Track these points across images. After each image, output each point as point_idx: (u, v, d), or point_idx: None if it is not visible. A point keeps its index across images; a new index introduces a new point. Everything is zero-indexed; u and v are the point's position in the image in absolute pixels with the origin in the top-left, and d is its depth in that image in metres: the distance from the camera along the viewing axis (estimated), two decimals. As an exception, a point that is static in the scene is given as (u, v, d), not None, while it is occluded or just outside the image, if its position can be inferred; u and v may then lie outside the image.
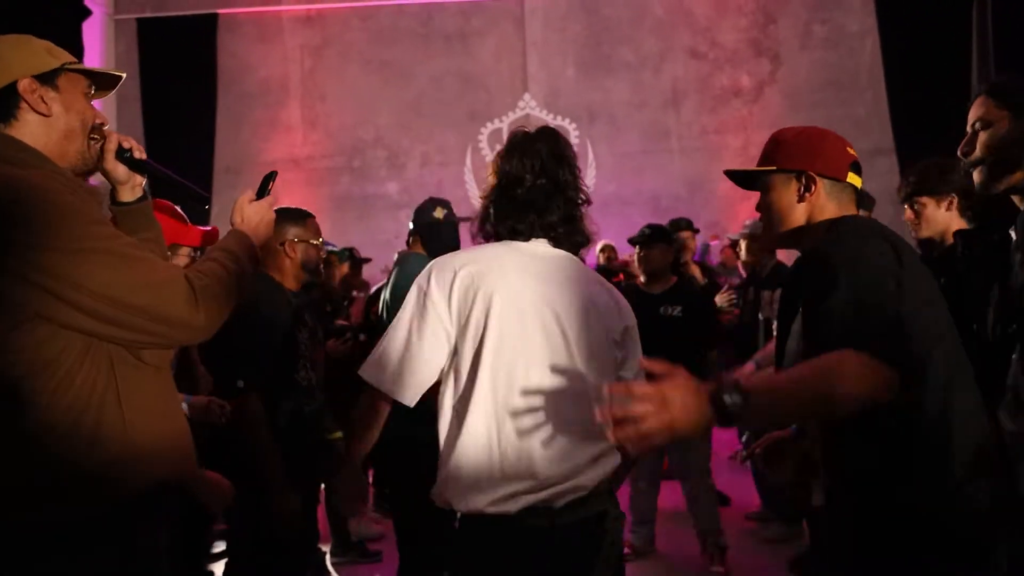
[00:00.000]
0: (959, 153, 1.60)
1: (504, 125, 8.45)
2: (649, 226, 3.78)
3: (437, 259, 1.67)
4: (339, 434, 3.28)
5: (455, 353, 1.56)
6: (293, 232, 2.52)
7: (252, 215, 1.62)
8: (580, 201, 1.72)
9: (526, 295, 1.56)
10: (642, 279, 3.81)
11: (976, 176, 1.60)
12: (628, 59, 8.31)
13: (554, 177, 1.67)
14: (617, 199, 8.25)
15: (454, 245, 3.03)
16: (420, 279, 1.63)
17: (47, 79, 1.42)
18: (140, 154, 1.53)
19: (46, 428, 1.31)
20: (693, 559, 3.49)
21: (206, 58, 8.16)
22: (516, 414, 1.50)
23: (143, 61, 8.05)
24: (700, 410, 1.19)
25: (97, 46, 7.74)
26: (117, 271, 1.32)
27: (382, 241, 7.37)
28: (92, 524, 1.33)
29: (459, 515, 1.53)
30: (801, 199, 1.55)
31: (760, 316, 3.88)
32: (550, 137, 1.74)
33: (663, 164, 8.23)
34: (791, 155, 1.57)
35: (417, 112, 8.42)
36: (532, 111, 8.47)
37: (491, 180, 1.72)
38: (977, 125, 1.57)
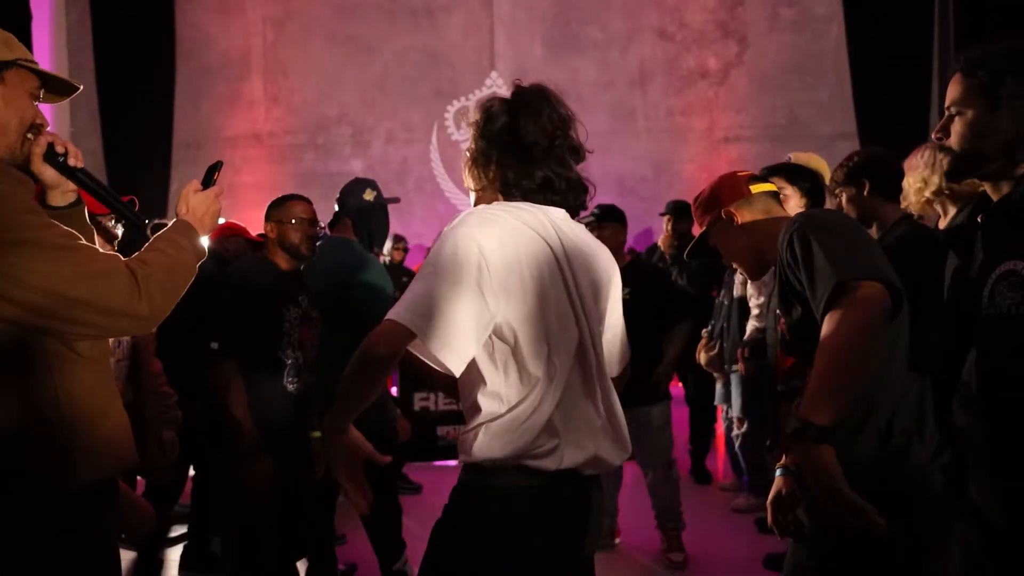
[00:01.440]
0: (933, 136, 1.57)
1: (471, 103, 8.37)
2: (599, 206, 3.63)
3: (473, 229, 1.44)
4: (318, 433, 3.24)
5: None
6: (273, 215, 2.60)
7: (197, 205, 1.57)
8: (574, 165, 1.63)
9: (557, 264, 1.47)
10: None
11: (950, 159, 1.57)
12: (596, 38, 8.27)
13: (565, 133, 1.61)
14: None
15: (385, 230, 3.01)
16: (463, 243, 1.42)
17: None
18: (75, 161, 1.45)
19: None
20: (654, 549, 3.50)
21: (164, 29, 7.93)
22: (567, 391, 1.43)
23: (96, 32, 7.78)
24: (805, 459, 1.36)
25: (47, 16, 7.45)
26: (54, 263, 1.27)
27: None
28: (37, 515, 1.32)
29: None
30: (740, 227, 1.78)
31: (734, 294, 3.91)
32: (549, 100, 1.65)
33: (629, 145, 8.24)
34: (706, 211, 1.85)
35: (382, 89, 8.30)
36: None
37: (499, 124, 1.58)
38: (953, 109, 1.49)
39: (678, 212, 4.62)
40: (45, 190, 1.45)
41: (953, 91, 1.49)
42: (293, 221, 2.55)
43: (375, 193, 2.98)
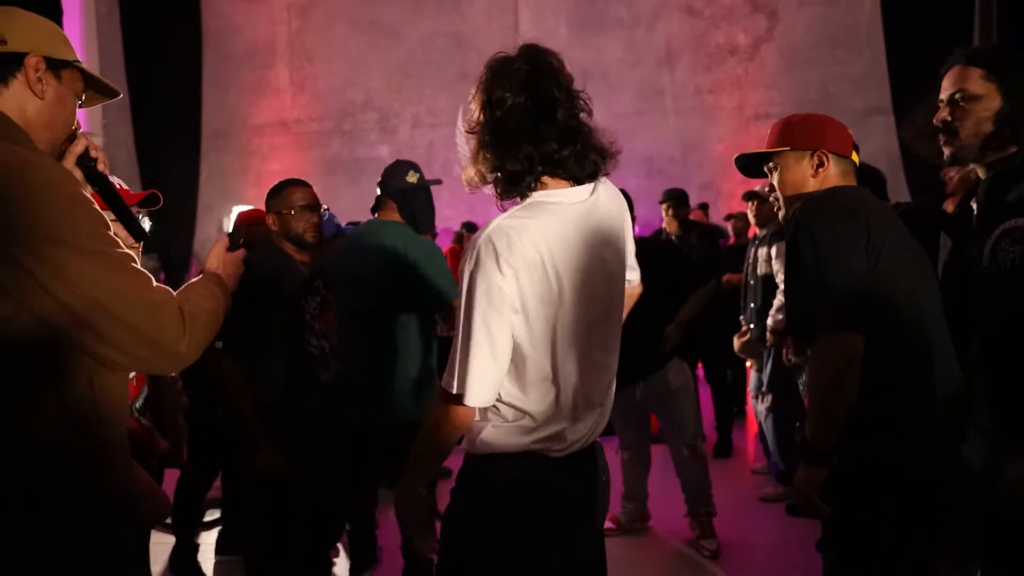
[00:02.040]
0: (936, 121, 1.61)
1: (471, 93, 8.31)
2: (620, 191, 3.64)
3: (487, 240, 1.40)
4: None
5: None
6: (272, 205, 2.52)
7: (228, 264, 1.57)
8: (581, 117, 1.47)
9: (570, 258, 1.44)
10: None
11: (950, 146, 1.63)
12: (621, 16, 8.15)
13: (538, 92, 1.43)
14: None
15: (430, 210, 2.94)
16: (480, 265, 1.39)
17: (55, 66, 1.38)
18: (103, 168, 1.45)
19: (33, 422, 1.29)
20: (686, 534, 3.45)
21: (190, 19, 7.98)
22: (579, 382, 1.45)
23: (125, 23, 7.86)
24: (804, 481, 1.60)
25: (77, 8, 7.54)
26: (116, 281, 1.24)
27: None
28: (77, 517, 1.33)
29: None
30: (815, 174, 1.73)
31: (759, 273, 3.84)
32: (529, 54, 1.48)
33: (657, 125, 8.13)
34: (804, 135, 1.75)
35: (407, 73, 8.28)
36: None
37: (474, 116, 1.50)
38: (958, 95, 1.58)
39: (675, 200, 4.72)
40: None
41: (958, 80, 1.59)
42: (293, 211, 2.46)
43: (418, 175, 2.90)
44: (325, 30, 8.29)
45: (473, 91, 1.52)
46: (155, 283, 1.33)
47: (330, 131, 8.33)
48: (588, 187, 1.50)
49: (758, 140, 8.86)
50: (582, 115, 1.49)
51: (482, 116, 1.48)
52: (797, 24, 7.90)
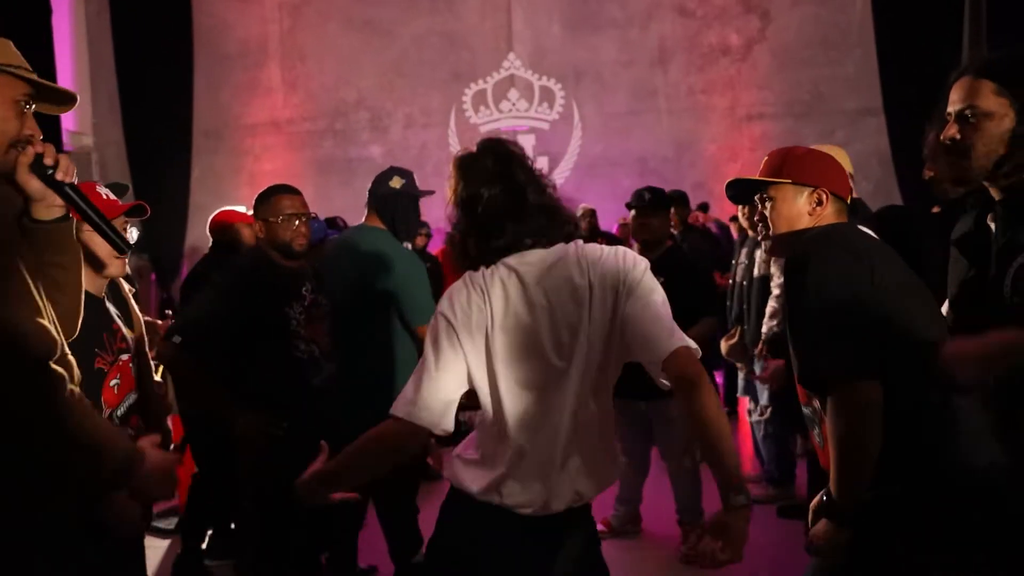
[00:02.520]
0: (944, 139, 1.49)
1: (489, 86, 8.30)
2: (650, 190, 3.38)
3: (452, 287, 1.59)
4: None
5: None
6: (260, 211, 2.51)
7: (156, 469, 1.44)
8: (548, 193, 1.59)
9: (524, 311, 1.53)
10: (636, 246, 3.51)
11: (958, 166, 1.51)
12: (615, 16, 8.14)
13: (510, 181, 1.55)
14: (604, 160, 8.17)
15: (412, 218, 2.88)
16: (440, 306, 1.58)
17: None
18: (64, 175, 1.37)
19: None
20: (675, 539, 3.46)
21: (181, 17, 7.93)
22: (522, 429, 1.53)
23: (115, 22, 7.80)
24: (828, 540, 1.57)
25: (66, 8, 7.49)
26: None
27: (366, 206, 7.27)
28: (72, 521, 1.37)
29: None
30: (812, 211, 1.69)
31: (755, 274, 3.81)
32: (492, 148, 1.60)
33: (650, 124, 8.13)
34: (807, 171, 1.70)
35: (400, 73, 8.25)
36: (517, 71, 8.31)
37: (452, 208, 1.62)
38: (968, 112, 1.44)
39: (675, 201, 4.62)
40: (30, 203, 1.38)
41: (970, 94, 1.45)
42: (280, 219, 2.44)
43: (403, 181, 2.88)
44: (317, 29, 8.25)
45: (449, 190, 1.61)
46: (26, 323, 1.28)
47: (322, 131, 8.29)
48: (557, 251, 1.56)
49: (751, 140, 8.87)
50: (549, 190, 1.60)
51: (462, 214, 1.59)
52: (790, 24, 7.91)
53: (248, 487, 2.42)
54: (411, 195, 2.87)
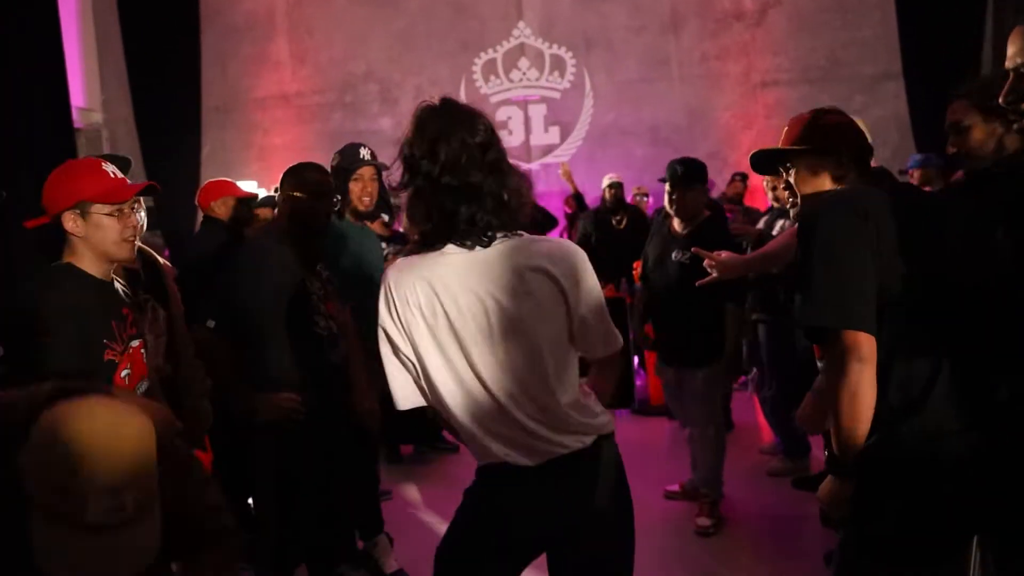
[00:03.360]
0: (1002, 101, 1.46)
1: (499, 55, 8.19)
2: (682, 162, 3.30)
3: (385, 275, 1.59)
4: None
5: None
6: (286, 185, 2.50)
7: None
8: (504, 181, 1.52)
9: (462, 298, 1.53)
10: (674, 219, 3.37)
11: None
12: (626, -19, 7.98)
13: (454, 166, 1.48)
14: (616, 129, 8.06)
15: (342, 193, 2.88)
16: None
17: None
18: None
19: None
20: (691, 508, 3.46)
21: (188, -9, 7.85)
22: (474, 406, 1.57)
23: (122, -3, 7.74)
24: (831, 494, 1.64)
25: (72, -19, 7.43)
26: None
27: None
28: None
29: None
30: (834, 178, 1.72)
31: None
32: (446, 112, 1.52)
33: (662, 92, 8.00)
34: (828, 138, 1.73)
35: (408, 44, 8.15)
36: (527, 40, 8.19)
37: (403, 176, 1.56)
38: (955, 127, 1.65)
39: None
40: None
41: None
42: (307, 195, 2.45)
43: (339, 158, 2.97)
44: (324, 1, 8.15)
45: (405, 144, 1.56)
46: None
47: (332, 104, 8.23)
48: (501, 240, 1.54)
49: (765, 108, 8.72)
50: (504, 180, 1.54)
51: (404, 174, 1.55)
52: (806, -13, 7.72)
53: (265, 471, 2.42)
54: (342, 169, 2.94)
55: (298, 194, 2.46)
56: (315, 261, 2.53)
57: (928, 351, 1.53)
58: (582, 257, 1.57)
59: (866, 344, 1.49)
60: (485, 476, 1.65)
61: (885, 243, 1.53)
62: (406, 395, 1.61)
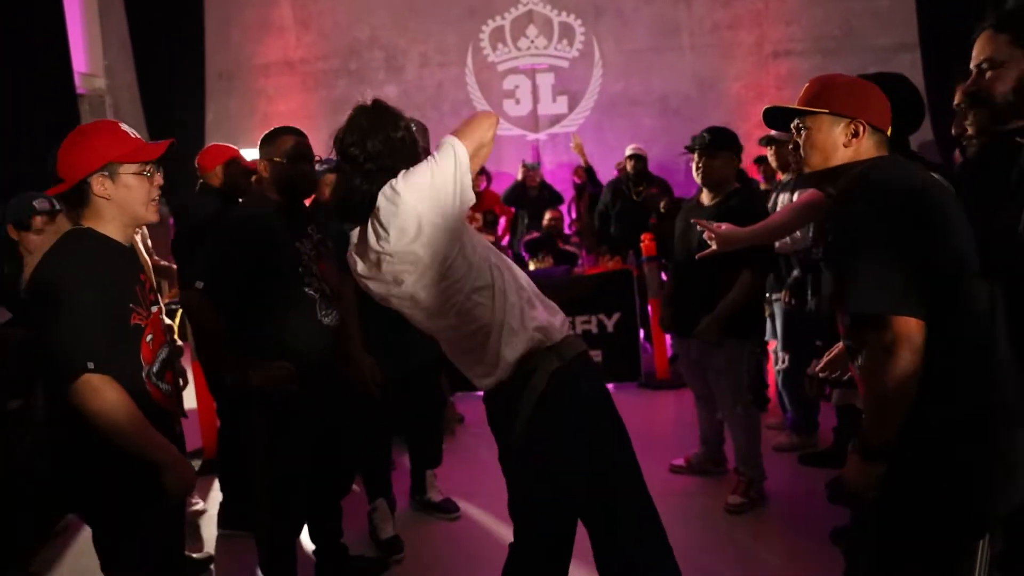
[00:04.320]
0: (963, 93, 1.59)
1: (506, 23, 8.06)
2: (710, 130, 3.23)
3: None
4: None
5: None
6: (265, 152, 2.51)
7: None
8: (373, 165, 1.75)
9: None
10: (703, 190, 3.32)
11: (979, 115, 1.68)
12: (637, -53, 7.81)
13: (377, 155, 1.75)
14: (625, 99, 7.95)
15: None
16: None
17: None
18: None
19: None
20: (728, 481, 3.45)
21: (190, -46, 7.71)
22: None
23: (124, -41, 7.61)
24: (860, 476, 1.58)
25: (73, -57, 7.29)
26: None
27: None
28: None
29: None
30: (848, 143, 1.65)
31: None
32: (376, 111, 1.81)
33: (673, 62, 7.88)
34: (846, 101, 1.66)
35: (414, 10, 8.02)
36: (535, 7, 8.05)
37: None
38: (985, 65, 1.58)
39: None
40: None
41: (985, 48, 1.58)
42: (284, 159, 2.45)
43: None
44: (329, -36, 8.01)
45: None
46: None
47: (336, 70, 8.13)
48: None
49: (777, 78, 8.60)
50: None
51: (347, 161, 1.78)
52: (820, -46, 7.54)
53: (257, 437, 2.41)
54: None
55: (278, 159, 2.46)
56: (304, 223, 2.52)
57: (970, 332, 1.50)
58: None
59: (917, 331, 1.47)
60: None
61: (928, 223, 1.49)
62: None
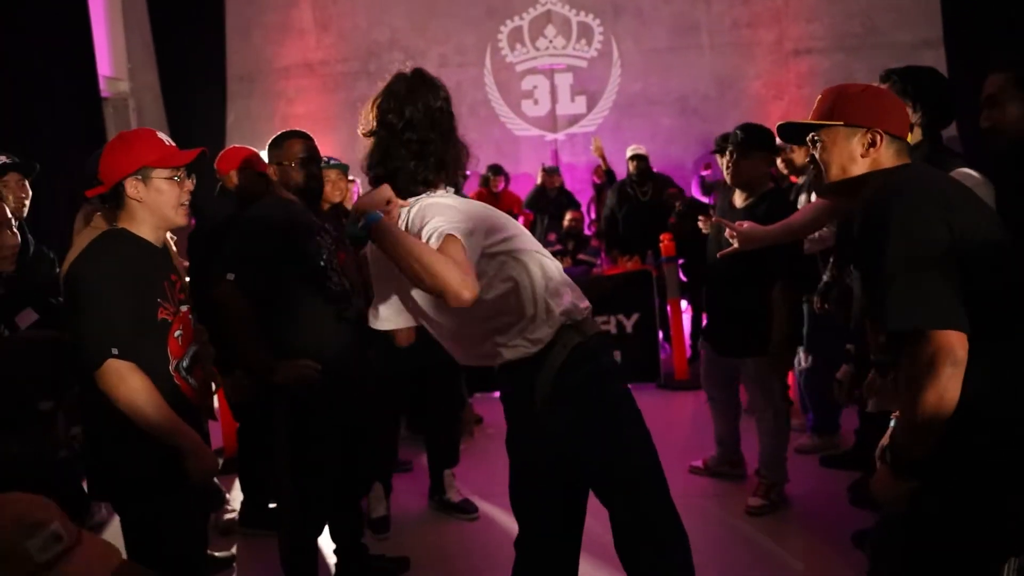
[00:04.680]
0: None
1: (525, 23, 8.06)
2: (743, 128, 3.16)
3: None
4: None
5: None
6: (273, 156, 2.56)
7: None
8: (448, 146, 1.77)
9: None
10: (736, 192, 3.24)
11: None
12: (655, -54, 7.77)
13: (414, 125, 1.75)
14: (643, 99, 7.92)
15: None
16: None
17: None
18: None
19: None
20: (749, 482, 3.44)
21: (211, -42, 7.79)
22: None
23: (146, -35, 7.70)
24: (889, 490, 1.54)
25: (97, -52, 7.39)
26: None
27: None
28: None
29: None
30: (865, 153, 1.62)
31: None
32: (416, 79, 1.81)
33: (692, 61, 7.83)
34: (860, 111, 1.63)
35: (433, 11, 8.04)
36: (553, 7, 8.04)
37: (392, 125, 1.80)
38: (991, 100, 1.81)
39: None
40: None
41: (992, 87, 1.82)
42: (294, 163, 2.49)
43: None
44: (348, -33, 8.06)
45: (385, 105, 1.80)
46: None
47: (356, 72, 8.17)
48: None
49: (798, 77, 8.51)
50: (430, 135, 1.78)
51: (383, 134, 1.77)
52: (842, -50, 7.46)
53: (281, 433, 2.43)
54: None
55: (287, 163, 2.50)
56: (321, 220, 2.57)
57: (1009, 338, 1.47)
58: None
59: (960, 345, 1.42)
60: None
61: (962, 229, 1.45)
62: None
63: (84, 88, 6.12)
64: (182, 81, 7.62)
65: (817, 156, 1.66)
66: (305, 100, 8.16)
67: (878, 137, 1.60)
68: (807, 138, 1.69)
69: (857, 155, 1.61)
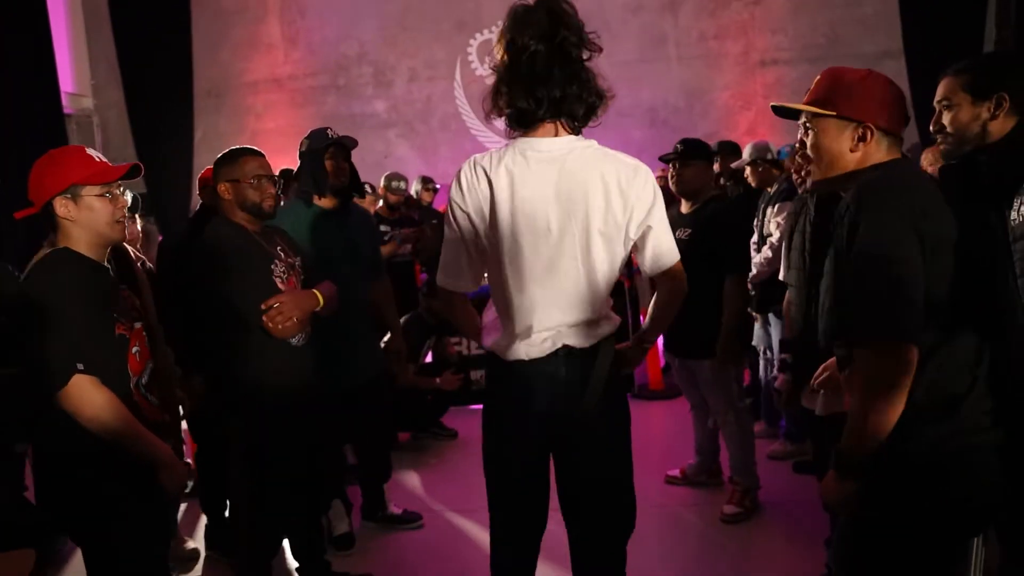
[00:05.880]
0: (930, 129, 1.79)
1: (495, 36, 8.07)
2: (683, 141, 3.35)
3: (458, 170, 1.83)
4: None
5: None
6: (226, 174, 2.49)
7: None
8: (585, 57, 1.75)
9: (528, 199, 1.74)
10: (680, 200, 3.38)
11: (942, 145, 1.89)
12: (623, -41, 7.86)
13: (553, 43, 1.69)
14: (613, 111, 7.82)
15: (318, 174, 2.92)
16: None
17: None
18: None
19: None
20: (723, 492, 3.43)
21: (177, -28, 7.72)
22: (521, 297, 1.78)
23: (111, -22, 7.61)
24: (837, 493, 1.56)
25: (59, -37, 7.30)
26: None
27: (371, 163, 7.14)
28: None
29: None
30: (855, 147, 1.59)
31: (763, 232, 3.75)
32: (549, 4, 1.74)
33: (660, 73, 7.91)
34: (853, 103, 1.59)
35: (402, 25, 8.04)
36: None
37: (497, 56, 1.78)
38: (943, 103, 1.84)
39: (725, 150, 4.48)
40: None
41: (942, 90, 1.87)
42: (251, 180, 2.44)
43: (308, 142, 2.99)
44: (316, -19, 8.03)
45: (498, 35, 1.79)
46: None
47: (325, 87, 8.13)
48: (566, 145, 1.78)
49: (764, 87, 8.62)
50: (587, 61, 1.76)
51: (506, 58, 1.75)
52: (805, -36, 7.60)
53: (235, 455, 2.40)
54: (313, 151, 2.94)
55: (240, 180, 2.45)
56: (271, 244, 2.52)
57: (964, 349, 1.49)
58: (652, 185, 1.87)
59: (914, 357, 1.43)
60: None
61: (933, 237, 1.45)
62: (469, 279, 1.87)
63: (46, 105, 6.03)
64: (148, 97, 7.53)
65: (808, 141, 1.64)
66: (274, 115, 8.10)
67: (868, 132, 1.56)
68: (800, 122, 1.67)
69: (846, 148, 1.58)
